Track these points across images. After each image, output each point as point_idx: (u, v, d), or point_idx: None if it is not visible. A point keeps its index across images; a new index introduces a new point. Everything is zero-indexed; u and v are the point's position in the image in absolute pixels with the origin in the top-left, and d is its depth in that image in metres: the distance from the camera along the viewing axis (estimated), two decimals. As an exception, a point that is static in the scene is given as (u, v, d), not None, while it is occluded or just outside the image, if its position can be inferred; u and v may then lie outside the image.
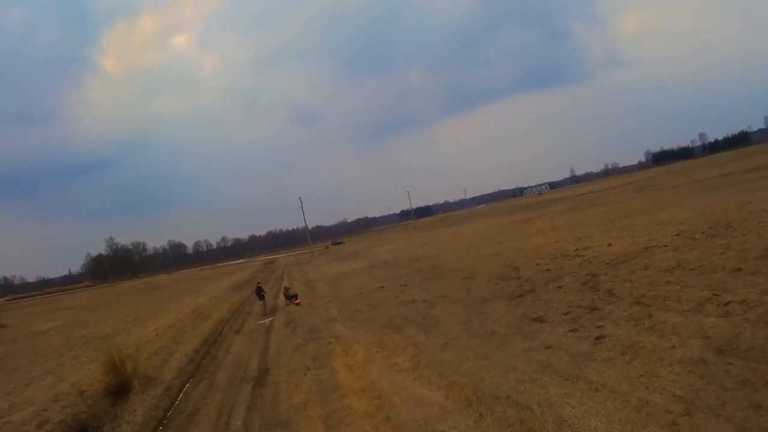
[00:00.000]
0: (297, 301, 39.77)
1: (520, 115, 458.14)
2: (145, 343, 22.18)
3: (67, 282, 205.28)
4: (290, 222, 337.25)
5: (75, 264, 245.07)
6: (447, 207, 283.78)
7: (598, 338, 15.05)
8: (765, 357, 10.97)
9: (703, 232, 25.64)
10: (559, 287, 22.72)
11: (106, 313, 55.16)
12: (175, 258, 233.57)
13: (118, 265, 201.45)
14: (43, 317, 62.16)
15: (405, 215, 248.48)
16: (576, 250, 31.30)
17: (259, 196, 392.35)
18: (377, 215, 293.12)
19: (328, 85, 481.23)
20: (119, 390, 18.13)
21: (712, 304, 15.05)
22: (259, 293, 40.06)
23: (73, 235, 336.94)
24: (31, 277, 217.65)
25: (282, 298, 41.08)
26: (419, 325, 22.24)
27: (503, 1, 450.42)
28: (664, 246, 24.93)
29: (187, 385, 20.29)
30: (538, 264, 30.43)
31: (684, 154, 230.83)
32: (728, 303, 14.68)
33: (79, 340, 36.48)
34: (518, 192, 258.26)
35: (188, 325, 35.33)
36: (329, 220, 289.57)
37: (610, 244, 29.96)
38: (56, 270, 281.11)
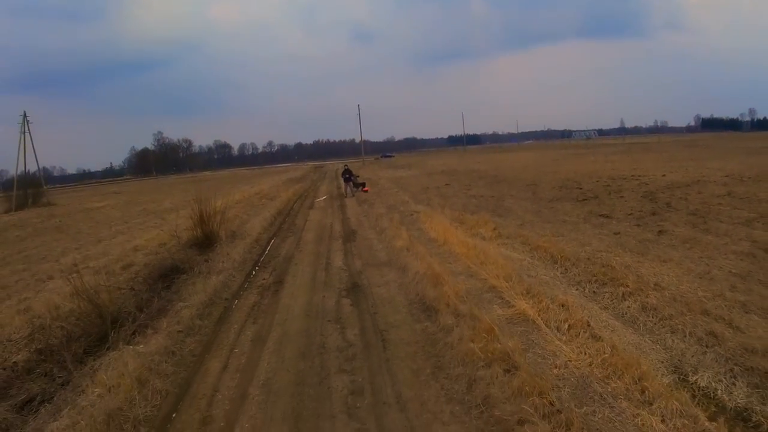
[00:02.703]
0: (365, 189, 40.65)
1: (577, 61, 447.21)
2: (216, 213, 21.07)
3: (108, 175, 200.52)
4: (337, 134, 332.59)
5: (117, 159, 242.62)
6: (495, 138, 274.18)
7: (660, 232, 16.93)
8: (805, 257, 12.99)
9: (750, 177, 27.48)
10: (621, 197, 24.69)
11: (160, 196, 55.69)
12: (220, 159, 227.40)
13: (162, 160, 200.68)
14: (93, 199, 63.37)
15: (453, 141, 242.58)
16: (632, 175, 33.04)
17: (308, 107, 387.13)
18: (425, 137, 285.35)
19: (389, 6, 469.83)
20: (204, 242, 18.65)
21: (758, 222, 17.01)
22: (345, 176, 40.70)
23: (117, 131, 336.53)
24: (71, 169, 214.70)
25: (346, 190, 41.33)
26: (493, 211, 23.71)
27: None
28: (714, 181, 26.82)
29: (273, 240, 21.33)
30: (597, 181, 32.22)
31: (733, 125, 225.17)
32: (774, 224, 16.73)
33: (139, 213, 37.63)
34: (567, 134, 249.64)
35: (256, 203, 35.89)
36: (377, 136, 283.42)
37: (664, 175, 31.68)
38: (98, 163, 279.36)
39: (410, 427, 6.41)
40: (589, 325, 9.02)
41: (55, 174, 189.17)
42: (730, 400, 6.78)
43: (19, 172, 63.29)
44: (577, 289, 12.07)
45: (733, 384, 7.10)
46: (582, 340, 8.33)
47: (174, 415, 7.15)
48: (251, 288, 13.89)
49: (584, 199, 25.30)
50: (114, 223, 32.04)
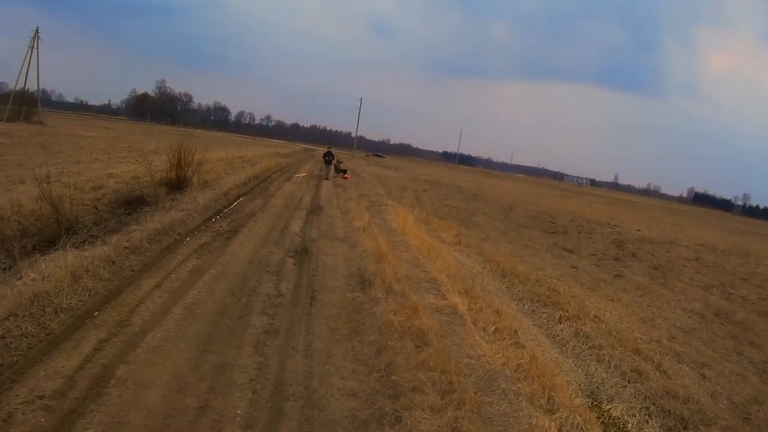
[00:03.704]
0: (345, 176, 40.90)
1: (584, 105, 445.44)
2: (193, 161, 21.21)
3: (104, 112, 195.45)
4: (335, 124, 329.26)
5: (117, 97, 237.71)
6: (488, 164, 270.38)
7: (617, 275, 17.40)
8: (752, 329, 13.55)
9: (723, 250, 27.95)
10: (590, 237, 25.19)
11: (147, 139, 54.23)
12: (216, 121, 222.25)
13: (160, 109, 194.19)
14: (83, 128, 62.58)
15: (447, 156, 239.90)
16: (608, 223, 33.51)
17: (311, 90, 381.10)
18: (420, 147, 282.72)
19: (416, 7, 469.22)
20: (176, 184, 19.00)
21: (717, 289, 17.52)
22: (327, 158, 40.74)
23: (122, 69, 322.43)
24: (69, 97, 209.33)
25: (326, 172, 41.44)
26: (461, 222, 24.06)
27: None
28: (686, 246, 27.19)
29: (242, 198, 21.40)
30: (572, 220, 32.61)
31: (724, 204, 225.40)
32: (731, 293, 17.21)
33: (123, 149, 37.51)
34: (559, 176, 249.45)
35: (237, 165, 36.00)
36: (373, 135, 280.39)
37: (638, 230, 32.08)
38: (97, 97, 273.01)
39: (309, 372, 6.61)
40: (516, 333, 9.26)
41: (54, 99, 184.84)
42: (638, 435, 6.96)
43: (19, 87, 62.67)
44: (517, 304, 12.42)
45: (646, 422, 7.33)
46: (504, 344, 8.53)
47: (96, 313, 7.36)
48: (206, 231, 14.04)
49: (553, 232, 25.80)
50: (96, 152, 31.80)
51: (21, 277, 7.92)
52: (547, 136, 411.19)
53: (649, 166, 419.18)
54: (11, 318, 6.47)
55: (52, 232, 10.84)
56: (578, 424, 6.27)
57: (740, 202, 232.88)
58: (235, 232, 14.27)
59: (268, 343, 7.27)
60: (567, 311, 11.76)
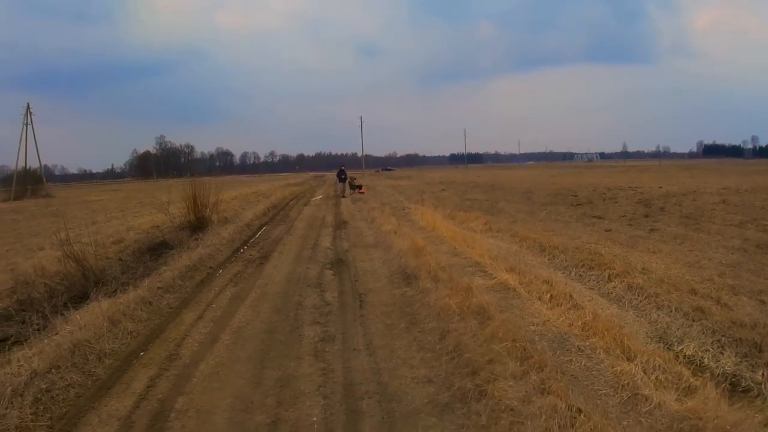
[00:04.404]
0: (361, 190, 41.17)
1: (582, 84, 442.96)
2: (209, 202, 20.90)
3: (109, 177, 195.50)
4: (339, 148, 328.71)
5: (119, 161, 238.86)
6: (497, 158, 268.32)
7: (651, 230, 16.99)
8: (798, 255, 13.18)
9: (746, 189, 27.73)
10: (615, 203, 24.89)
11: (158, 193, 54.91)
12: (222, 166, 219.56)
13: (164, 164, 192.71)
14: (91, 194, 63.36)
15: (455, 159, 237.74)
16: (629, 186, 33.36)
17: (312, 120, 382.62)
18: (427, 154, 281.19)
19: (399, 23, 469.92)
20: (197, 225, 18.99)
21: (751, 224, 17.13)
22: (340, 176, 40.76)
23: (120, 134, 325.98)
24: (72, 169, 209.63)
25: (341, 190, 41.14)
26: (486, 211, 23.56)
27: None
28: (710, 192, 27.01)
29: (265, 227, 21.72)
30: (593, 191, 32.33)
31: (735, 151, 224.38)
32: (767, 225, 16.85)
33: (135, 205, 37.97)
34: (569, 156, 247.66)
35: (252, 200, 36.09)
36: (379, 151, 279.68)
37: (660, 187, 32.02)
38: (99, 165, 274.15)
39: (377, 369, 6.35)
40: (571, 297, 8.96)
41: (57, 173, 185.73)
42: (717, 367, 6.67)
43: (20, 165, 63.07)
44: (562, 273, 12.06)
45: (721, 353, 7.02)
46: (563, 309, 8.21)
47: (141, 353, 7.16)
48: (237, 261, 13.94)
49: (578, 204, 25.52)
50: (110, 211, 32.20)
51: (57, 332, 7.74)
52: (551, 120, 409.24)
53: (654, 129, 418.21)
54: (53, 371, 6.22)
55: (80, 288, 10.68)
56: (660, 365, 6.03)
57: (750, 146, 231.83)
58: (266, 257, 14.15)
59: (327, 350, 7.03)
60: (614, 269, 11.42)
